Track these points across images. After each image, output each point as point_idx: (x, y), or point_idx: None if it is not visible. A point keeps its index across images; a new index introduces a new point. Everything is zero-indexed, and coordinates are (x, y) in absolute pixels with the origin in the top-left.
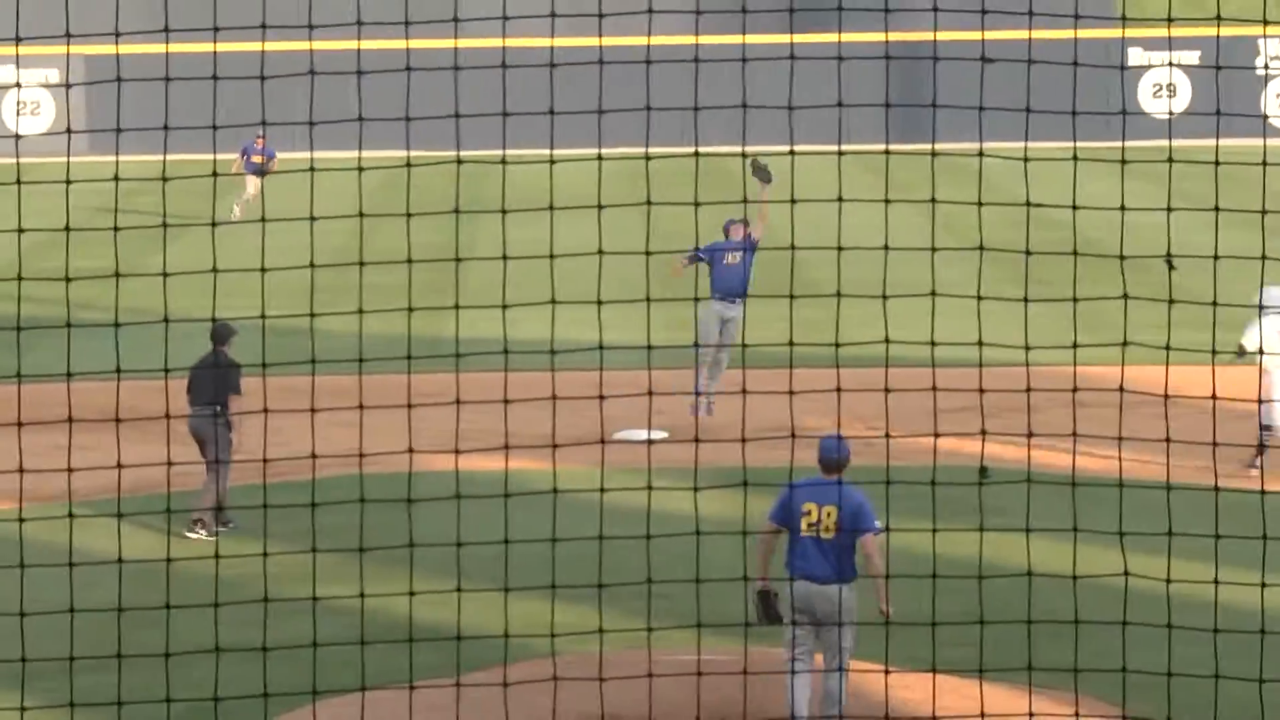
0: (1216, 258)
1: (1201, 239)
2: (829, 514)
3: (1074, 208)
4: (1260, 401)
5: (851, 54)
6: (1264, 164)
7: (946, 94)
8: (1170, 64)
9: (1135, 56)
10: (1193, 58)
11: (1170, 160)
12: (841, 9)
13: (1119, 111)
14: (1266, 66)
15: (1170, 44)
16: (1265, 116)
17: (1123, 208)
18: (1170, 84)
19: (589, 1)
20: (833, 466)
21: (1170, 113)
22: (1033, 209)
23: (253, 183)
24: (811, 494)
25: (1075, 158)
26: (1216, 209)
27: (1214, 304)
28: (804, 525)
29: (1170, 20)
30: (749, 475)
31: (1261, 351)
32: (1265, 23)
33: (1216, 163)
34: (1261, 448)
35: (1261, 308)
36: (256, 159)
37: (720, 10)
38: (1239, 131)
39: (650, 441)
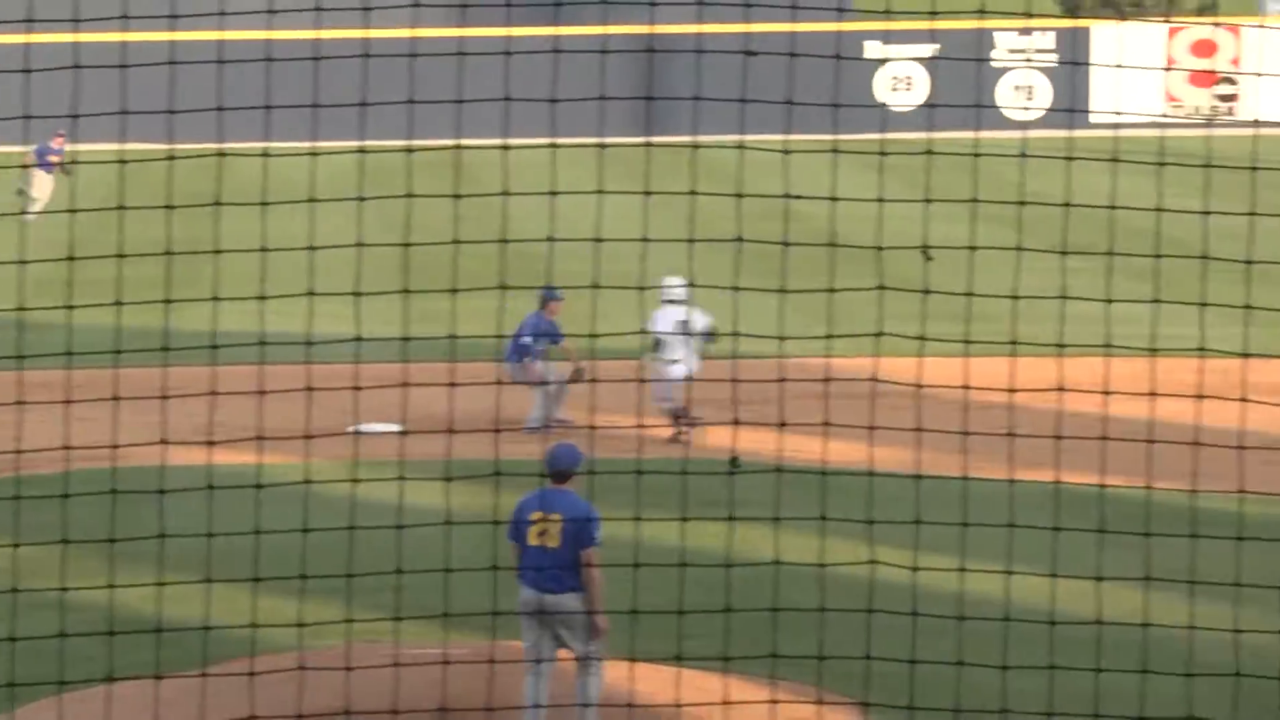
0: (973, 249)
1: (948, 230)
2: (554, 521)
3: (834, 199)
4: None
5: (614, 47)
6: (1023, 156)
7: (684, 87)
8: (924, 58)
9: (872, 49)
10: (930, 50)
11: (930, 153)
12: (606, 2)
13: (876, 104)
14: (1031, 58)
15: (933, 36)
16: (1025, 108)
17: (880, 199)
18: (908, 77)
19: None
20: (559, 476)
21: (929, 104)
22: (780, 203)
23: (42, 182)
24: (539, 503)
25: (836, 150)
26: (975, 200)
27: (969, 294)
28: (532, 534)
29: (934, 14)
30: (499, 467)
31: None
32: (1030, 15)
33: (976, 154)
34: (678, 424)
35: (663, 294)
36: (54, 159)
37: (484, 4)
38: (976, 124)
39: (405, 433)
